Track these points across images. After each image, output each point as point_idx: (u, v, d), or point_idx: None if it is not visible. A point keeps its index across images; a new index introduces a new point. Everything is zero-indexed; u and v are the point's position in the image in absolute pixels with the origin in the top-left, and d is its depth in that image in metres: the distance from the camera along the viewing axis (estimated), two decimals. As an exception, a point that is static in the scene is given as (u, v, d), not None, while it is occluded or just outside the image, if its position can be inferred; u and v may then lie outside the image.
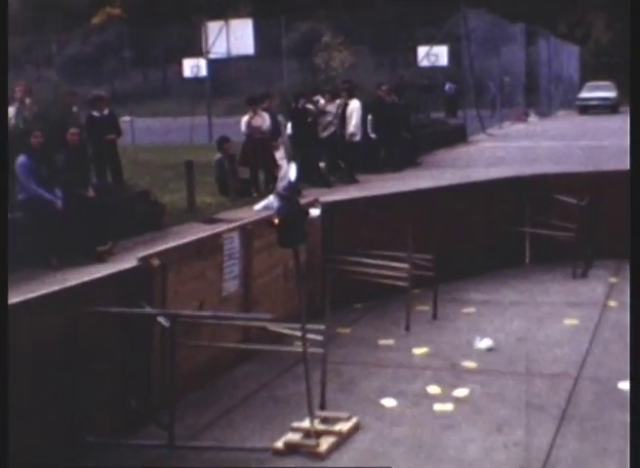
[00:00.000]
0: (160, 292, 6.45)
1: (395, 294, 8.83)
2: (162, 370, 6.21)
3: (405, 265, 8.55)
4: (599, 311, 9.02)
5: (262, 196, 15.37)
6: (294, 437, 6.02)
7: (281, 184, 9.96)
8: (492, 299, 9.55)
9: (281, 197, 6.18)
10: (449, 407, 6.58)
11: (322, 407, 6.48)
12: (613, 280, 10.23)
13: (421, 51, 37.39)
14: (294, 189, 6.40)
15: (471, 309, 9.18)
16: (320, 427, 6.08)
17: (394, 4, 49.06)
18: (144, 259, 6.42)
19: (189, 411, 6.49)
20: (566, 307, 9.19)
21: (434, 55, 36.59)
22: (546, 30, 46.61)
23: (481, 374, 7.27)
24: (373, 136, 20.81)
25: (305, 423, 6.11)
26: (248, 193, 17.14)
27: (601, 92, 44.97)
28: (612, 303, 9.31)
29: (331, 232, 8.93)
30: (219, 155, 17.57)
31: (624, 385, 6.91)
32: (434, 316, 8.86)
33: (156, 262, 6.41)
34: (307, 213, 6.54)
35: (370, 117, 20.73)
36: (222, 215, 14.83)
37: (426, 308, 8.95)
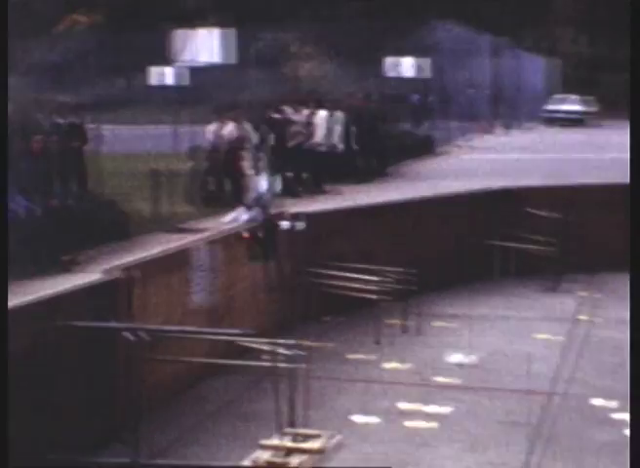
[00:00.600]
0: (126, 304, 6.28)
1: (365, 307, 8.69)
2: (127, 386, 6.04)
3: (376, 278, 8.44)
4: (570, 326, 8.95)
5: (230, 207, 15.17)
6: (263, 455, 5.87)
7: (250, 196, 9.82)
8: (463, 313, 9.44)
9: (250, 209, 6.06)
10: (421, 423, 6.45)
11: (291, 423, 6.33)
12: (583, 294, 10.18)
13: (389, 62, 37.43)
14: (264, 201, 6.26)
15: (442, 323, 9.07)
16: (290, 444, 5.93)
17: (362, 15, 49.18)
18: (110, 272, 6.25)
19: (155, 428, 6.30)
20: (537, 322, 9.12)
21: (401, 66, 36.65)
22: (512, 43, 46.88)
23: (452, 391, 7.16)
24: (356, 147, 20.66)
25: (275, 440, 5.96)
26: (215, 204, 16.92)
27: (567, 105, 45.33)
28: (583, 318, 9.25)
29: (302, 245, 8.78)
30: (191, 164, 17.35)
31: (597, 401, 6.85)
32: (404, 330, 8.73)
33: (122, 275, 6.25)
34: (277, 225, 6.41)
35: (353, 128, 20.55)
36: (190, 226, 14.60)
37: (396, 322, 8.83)
